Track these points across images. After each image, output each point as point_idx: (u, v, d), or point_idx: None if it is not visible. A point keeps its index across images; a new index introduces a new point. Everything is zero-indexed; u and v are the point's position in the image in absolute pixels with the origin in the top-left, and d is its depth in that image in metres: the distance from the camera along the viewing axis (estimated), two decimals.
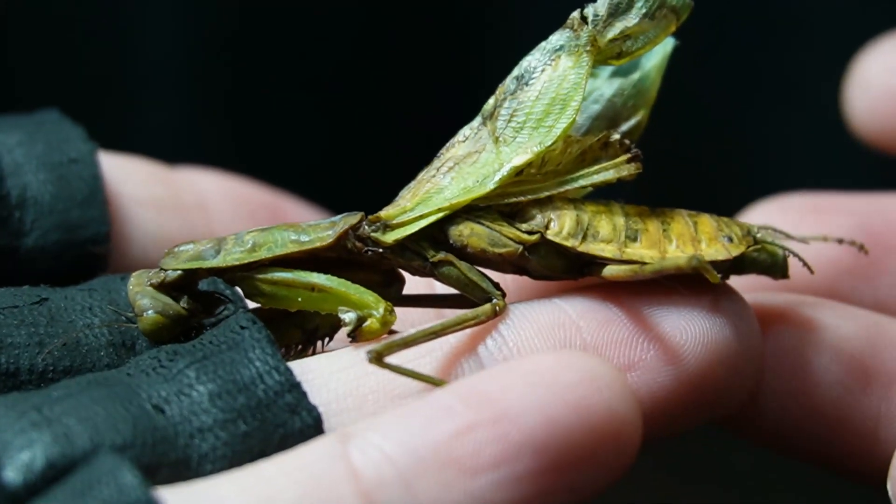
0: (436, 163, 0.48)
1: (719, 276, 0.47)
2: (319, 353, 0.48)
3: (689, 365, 0.46)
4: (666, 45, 0.51)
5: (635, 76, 0.51)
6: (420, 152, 0.50)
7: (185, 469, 0.42)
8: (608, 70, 0.51)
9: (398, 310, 0.48)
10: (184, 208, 0.56)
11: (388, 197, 0.48)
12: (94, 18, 0.88)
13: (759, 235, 0.48)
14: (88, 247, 0.52)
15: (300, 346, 0.48)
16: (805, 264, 0.49)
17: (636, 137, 0.50)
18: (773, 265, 0.49)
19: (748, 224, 0.49)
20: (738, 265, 0.48)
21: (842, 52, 0.65)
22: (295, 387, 0.43)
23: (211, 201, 0.57)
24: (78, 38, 0.88)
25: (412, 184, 0.48)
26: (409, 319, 0.50)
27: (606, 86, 0.51)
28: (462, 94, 0.88)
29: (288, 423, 0.43)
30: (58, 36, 0.88)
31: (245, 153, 0.61)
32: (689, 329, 0.46)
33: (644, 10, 0.48)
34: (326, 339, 0.48)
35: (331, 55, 0.89)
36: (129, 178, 0.55)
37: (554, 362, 0.42)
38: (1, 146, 0.52)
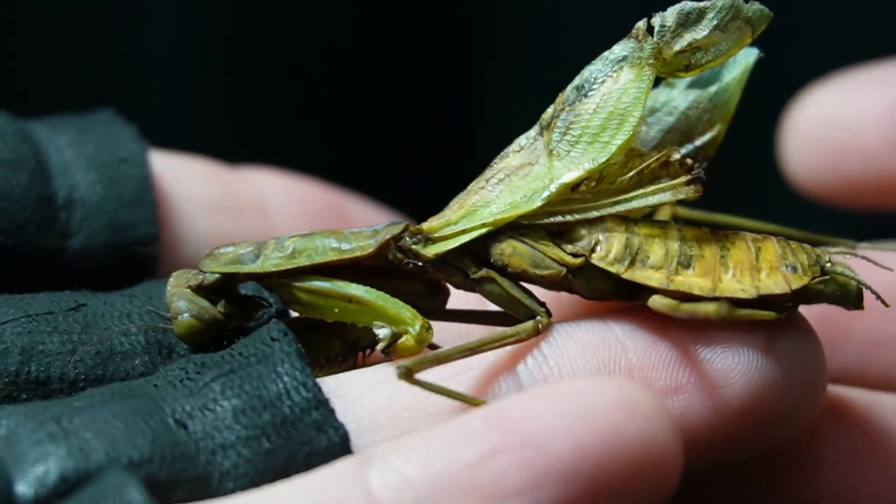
0: (487, 173, 0.46)
1: (787, 307, 0.45)
2: (360, 365, 0.47)
3: (739, 391, 0.44)
4: (748, 57, 0.48)
5: (713, 88, 0.48)
6: (427, 156, 0.48)
7: (206, 486, 0.41)
8: (685, 81, 0.48)
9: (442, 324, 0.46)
10: (240, 209, 0.55)
11: (392, 198, 0.47)
12: (94, 18, 0.87)
13: (828, 266, 0.45)
14: (136, 248, 0.51)
15: (340, 357, 0.47)
16: (879, 297, 0.46)
17: (711, 153, 0.48)
18: (842, 297, 0.46)
19: (819, 251, 0.46)
20: (802, 296, 0.45)
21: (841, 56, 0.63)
22: (322, 403, 0.42)
23: (270, 202, 0.56)
24: (78, 38, 0.88)
25: (462, 193, 0.46)
26: (456, 331, 0.48)
27: (681, 97, 0.48)
28: (461, 94, 0.86)
29: (314, 441, 0.42)
30: (58, 35, 0.88)
31: (245, 153, 0.60)
32: (741, 353, 0.44)
33: (715, 22, 0.46)
34: (368, 351, 0.47)
35: (331, 54, 0.88)
36: (184, 178, 0.54)
37: (587, 388, 0.40)
38: (50, 146, 0.51)
